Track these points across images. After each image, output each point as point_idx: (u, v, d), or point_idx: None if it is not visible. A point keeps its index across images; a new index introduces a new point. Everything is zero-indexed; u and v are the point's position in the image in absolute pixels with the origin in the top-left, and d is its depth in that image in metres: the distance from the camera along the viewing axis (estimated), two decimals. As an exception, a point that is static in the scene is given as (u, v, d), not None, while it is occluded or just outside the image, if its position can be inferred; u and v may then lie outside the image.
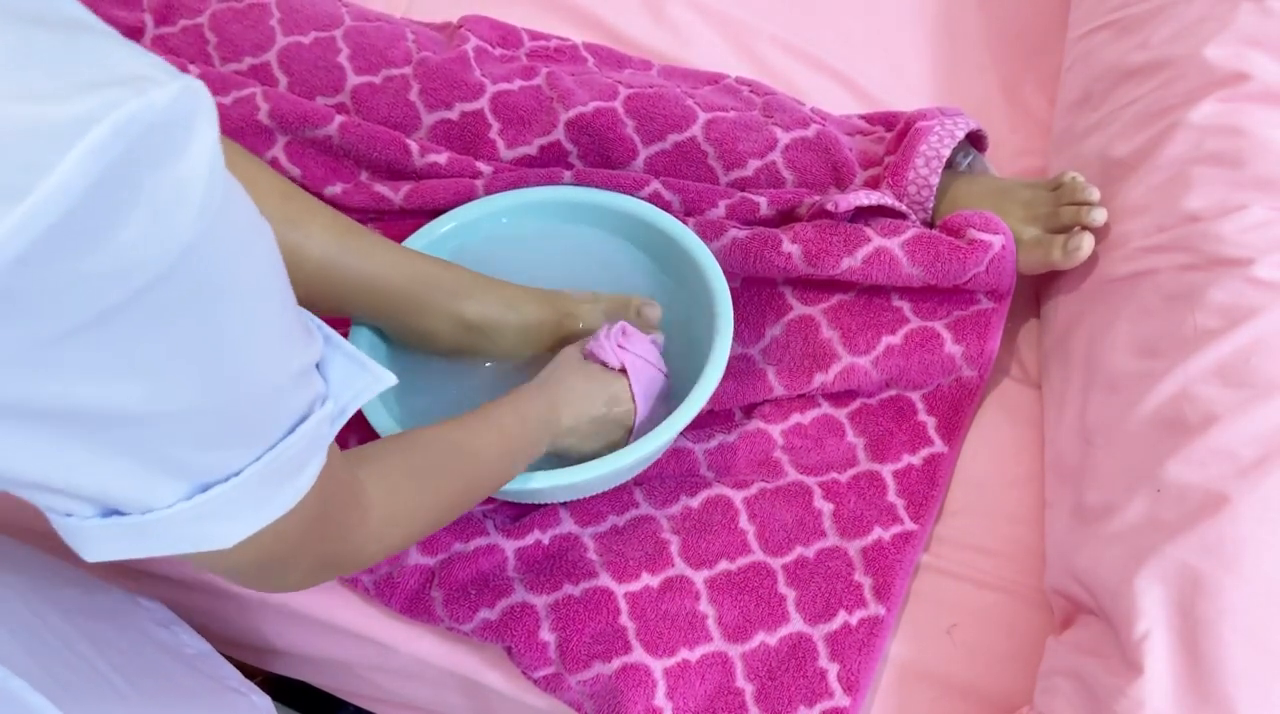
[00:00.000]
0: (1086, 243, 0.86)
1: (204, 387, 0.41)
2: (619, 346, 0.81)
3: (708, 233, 0.91)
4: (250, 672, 1.04)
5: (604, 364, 0.81)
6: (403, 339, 0.86)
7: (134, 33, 1.03)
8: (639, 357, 0.82)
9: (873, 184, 0.94)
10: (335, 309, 0.81)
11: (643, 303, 0.87)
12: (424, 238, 0.91)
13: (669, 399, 0.85)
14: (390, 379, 0.54)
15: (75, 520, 0.44)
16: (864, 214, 0.93)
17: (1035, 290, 0.96)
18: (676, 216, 0.92)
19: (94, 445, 0.40)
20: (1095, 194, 0.88)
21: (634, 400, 0.81)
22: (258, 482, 0.46)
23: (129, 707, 0.70)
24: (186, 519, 0.44)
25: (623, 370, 0.81)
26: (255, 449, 0.45)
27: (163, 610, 0.85)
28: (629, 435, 0.82)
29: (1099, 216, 0.87)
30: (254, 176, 0.75)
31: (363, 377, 0.52)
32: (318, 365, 0.50)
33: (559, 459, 0.81)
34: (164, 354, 0.38)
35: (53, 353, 0.35)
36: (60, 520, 0.44)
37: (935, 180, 0.91)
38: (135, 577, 0.93)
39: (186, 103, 0.35)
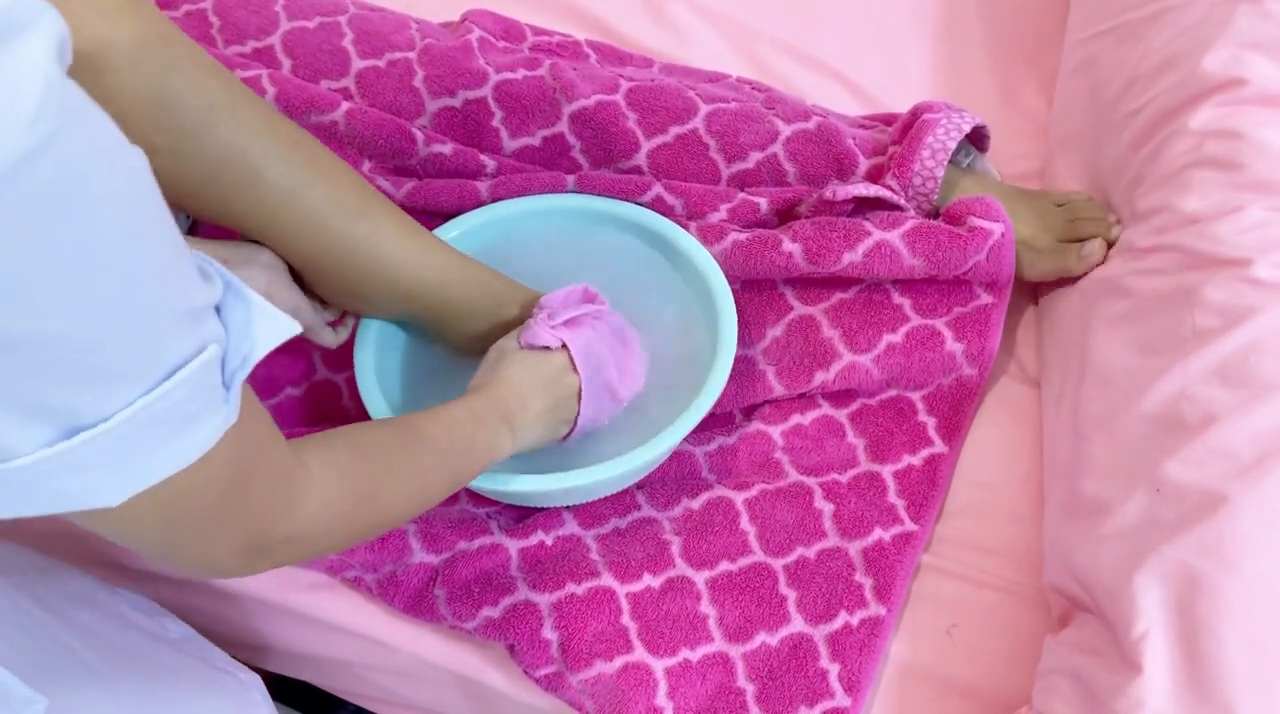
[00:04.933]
0: (1099, 248, 0.89)
1: (62, 308, 0.37)
2: (550, 327, 0.80)
3: (709, 237, 0.91)
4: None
5: (544, 347, 0.79)
6: (440, 339, 0.86)
7: None
8: (573, 326, 0.80)
9: (876, 173, 0.95)
10: (394, 312, 0.84)
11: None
12: None
13: (637, 349, 0.86)
14: (295, 327, 0.49)
15: None
16: (862, 208, 0.93)
17: (1034, 289, 0.97)
18: (680, 221, 0.92)
19: None
20: (1111, 218, 0.91)
21: (575, 369, 0.79)
22: (135, 428, 0.41)
23: (103, 683, 0.69)
24: (55, 469, 0.40)
25: (563, 347, 0.79)
26: (128, 391, 0.41)
27: (144, 600, 0.84)
28: (580, 402, 0.80)
29: (1117, 231, 0.90)
30: (328, 169, 0.75)
31: (265, 322, 0.47)
32: (218, 311, 0.46)
33: (535, 460, 0.81)
34: (14, 268, 0.35)
35: None
36: None
37: (940, 173, 0.91)
38: (133, 577, 0.93)
39: (20, 10, 0.34)
